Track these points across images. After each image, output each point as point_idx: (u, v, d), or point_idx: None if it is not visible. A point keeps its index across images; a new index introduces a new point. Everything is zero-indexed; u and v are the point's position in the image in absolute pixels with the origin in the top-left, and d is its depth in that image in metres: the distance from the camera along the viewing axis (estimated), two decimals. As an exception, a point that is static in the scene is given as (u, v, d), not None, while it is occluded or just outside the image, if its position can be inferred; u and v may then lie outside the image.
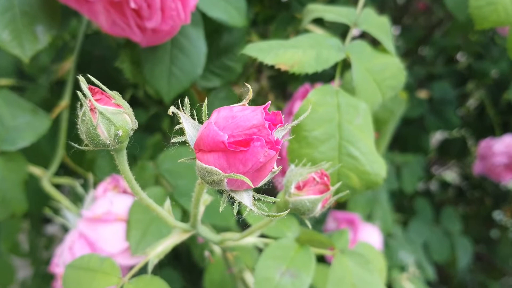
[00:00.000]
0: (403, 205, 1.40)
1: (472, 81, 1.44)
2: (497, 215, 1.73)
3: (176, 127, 0.32)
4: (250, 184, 0.30)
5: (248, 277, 0.65)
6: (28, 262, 1.30)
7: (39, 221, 1.26)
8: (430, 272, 1.11)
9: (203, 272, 0.74)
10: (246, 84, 0.32)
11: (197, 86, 0.75)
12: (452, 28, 1.19)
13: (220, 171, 0.31)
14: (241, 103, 0.33)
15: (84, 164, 0.76)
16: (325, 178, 0.40)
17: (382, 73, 0.56)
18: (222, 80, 0.74)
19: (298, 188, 0.40)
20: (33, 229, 1.26)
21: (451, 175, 1.92)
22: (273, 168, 0.34)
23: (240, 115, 0.31)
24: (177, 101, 0.33)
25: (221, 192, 0.35)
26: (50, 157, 0.70)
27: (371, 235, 0.93)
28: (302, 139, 0.52)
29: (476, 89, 1.44)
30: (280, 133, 0.34)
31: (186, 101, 0.33)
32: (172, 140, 0.32)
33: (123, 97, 0.35)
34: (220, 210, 0.32)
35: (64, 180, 0.70)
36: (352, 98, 0.54)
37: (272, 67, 1.00)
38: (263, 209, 0.32)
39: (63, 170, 0.79)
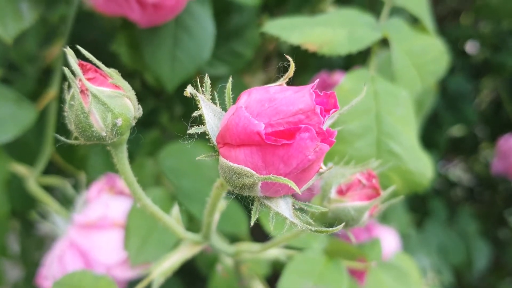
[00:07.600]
0: (413, 204, 1.33)
1: (487, 75, 1.37)
2: (507, 214, 1.66)
3: (195, 114, 0.24)
4: (297, 189, 0.22)
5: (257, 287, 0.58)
6: (19, 263, 1.23)
7: (30, 221, 1.19)
8: (446, 275, 1.04)
9: (205, 276, 0.67)
10: (287, 56, 0.24)
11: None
12: (480, 12, 1.11)
13: (254, 172, 0.23)
14: (277, 83, 0.26)
15: (75, 162, 0.67)
16: (374, 180, 0.32)
17: (422, 56, 0.49)
18: (230, 67, 0.67)
19: (340, 192, 0.32)
20: (24, 230, 1.19)
21: (455, 172, 1.85)
22: (321, 167, 0.26)
23: (281, 97, 0.23)
24: (195, 80, 0.25)
25: (242, 197, 0.27)
26: (37, 154, 0.62)
27: (388, 239, 0.86)
28: (334, 134, 0.44)
29: (491, 82, 1.37)
30: (327, 123, 0.26)
31: (207, 79, 0.25)
32: (189, 131, 0.24)
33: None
34: (252, 223, 0.24)
35: (52, 180, 0.62)
36: (391, 85, 0.46)
37: (281, 56, 0.92)
38: (309, 222, 0.25)
39: (53, 168, 0.70)
